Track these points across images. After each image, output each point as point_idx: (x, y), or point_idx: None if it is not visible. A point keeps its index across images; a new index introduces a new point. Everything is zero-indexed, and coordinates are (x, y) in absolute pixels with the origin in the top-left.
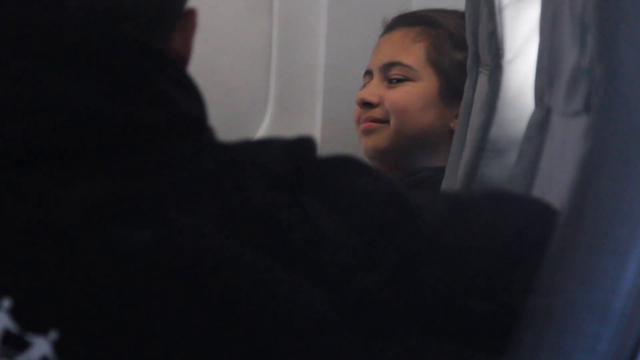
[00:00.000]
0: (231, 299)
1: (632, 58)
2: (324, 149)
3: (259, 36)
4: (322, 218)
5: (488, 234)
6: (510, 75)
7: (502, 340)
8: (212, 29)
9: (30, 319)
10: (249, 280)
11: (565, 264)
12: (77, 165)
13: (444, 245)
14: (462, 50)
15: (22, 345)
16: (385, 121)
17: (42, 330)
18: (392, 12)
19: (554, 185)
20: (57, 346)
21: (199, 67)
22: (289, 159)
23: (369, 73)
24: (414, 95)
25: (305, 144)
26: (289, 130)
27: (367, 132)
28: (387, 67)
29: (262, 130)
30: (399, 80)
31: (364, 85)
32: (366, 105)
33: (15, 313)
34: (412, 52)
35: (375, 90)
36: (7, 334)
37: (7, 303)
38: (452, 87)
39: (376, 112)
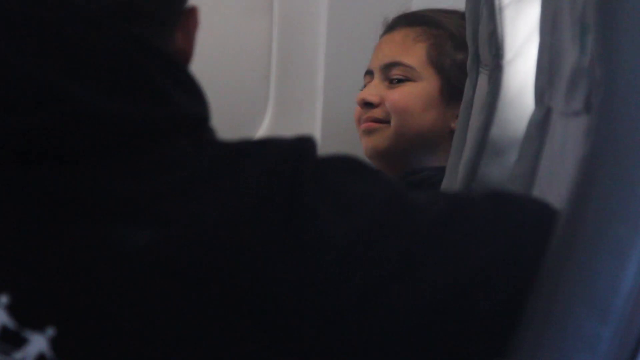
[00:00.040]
0: (231, 299)
1: (632, 58)
2: (324, 149)
3: (259, 36)
4: (322, 217)
5: (488, 234)
6: (510, 75)
7: (502, 341)
8: (212, 29)
9: (27, 316)
10: (249, 280)
11: (565, 264)
12: (77, 164)
13: (444, 245)
14: (463, 51)
15: (19, 341)
16: (386, 121)
17: (39, 327)
18: (393, 12)
19: (554, 185)
20: (54, 343)
21: (198, 67)
22: (289, 159)
23: (369, 73)
24: (415, 96)
25: (305, 144)
26: (289, 130)
27: (368, 132)
28: (388, 67)
29: (262, 130)
30: (400, 81)
31: (365, 85)
32: (367, 105)
33: (12, 309)
34: (413, 52)
35: (376, 90)
36: (5, 330)
37: (4, 299)
38: (453, 87)
39: (377, 112)
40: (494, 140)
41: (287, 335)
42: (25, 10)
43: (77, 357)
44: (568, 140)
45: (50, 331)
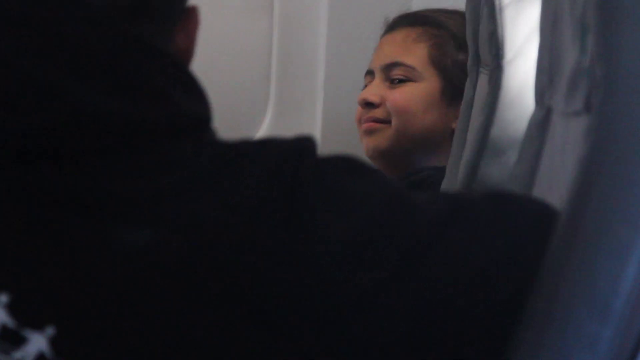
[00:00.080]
0: (231, 299)
1: (632, 58)
2: (324, 149)
3: (259, 36)
4: (322, 217)
5: (488, 234)
6: (510, 76)
7: (502, 341)
8: (212, 29)
9: (27, 315)
10: (249, 280)
11: (565, 264)
12: (77, 164)
13: (444, 245)
14: (464, 51)
15: (18, 340)
16: (387, 121)
17: (38, 326)
18: (393, 12)
19: (554, 185)
20: (54, 342)
21: (199, 67)
22: (289, 159)
23: (370, 73)
24: (416, 96)
25: (305, 144)
26: (289, 130)
27: (369, 133)
28: (389, 67)
29: (262, 130)
30: (401, 81)
31: (365, 86)
32: (368, 105)
33: (12, 308)
34: (414, 52)
35: (377, 90)
36: (4, 329)
37: (4, 298)
38: (454, 87)
39: (378, 113)
40: (494, 140)
41: (287, 335)
42: (26, 10)
43: (76, 356)
44: (568, 140)
45: (50, 330)
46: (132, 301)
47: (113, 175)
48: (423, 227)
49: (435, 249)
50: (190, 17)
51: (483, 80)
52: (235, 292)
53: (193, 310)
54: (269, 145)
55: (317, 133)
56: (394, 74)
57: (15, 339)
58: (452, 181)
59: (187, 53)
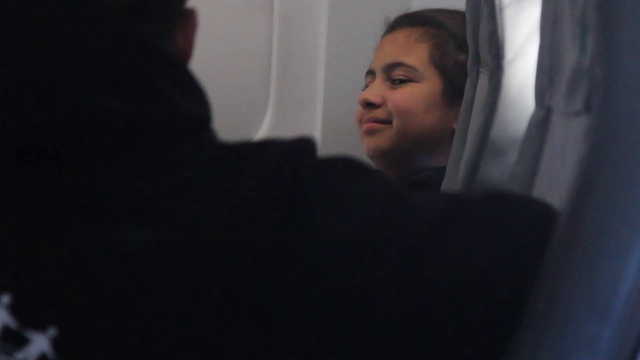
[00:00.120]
0: (231, 299)
1: (632, 58)
2: (324, 149)
3: (259, 36)
4: (322, 218)
5: (488, 234)
6: (510, 76)
7: (502, 341)
8: (212, 29)
9: (29, 316)
10: (249, 280)
11: (565, 264)
12: (77, 164)
13: (444, 245)
14: (465, 51)
15: (20, 341)
16: (388, 122)
17: (40, 327)
18: (393, 12)
19: (554, 185)
20: (56, 343)
21: (199, 67)
22: (289, 160)
23: (371, 73)
24: (417, 97)
25: (305, 145)
26: (289, 130)
27: (370, 133)
28: (390, 67)
29: (262, 130)
30: (402, 81)
31: (366, 86)
32: (369, 105)
33: (14, 309)
34: (415, 52)
35: (378, 90)
36: (6, 329)
37: (6, 299)
38: (455, 88)
39: (379, 113)
40: (494, 140)
41: (287, 335)
42: (26, 10)
43: (78, 357)
44: (568, 140)
45: (52, 331)
46: (132, 301)
47: (113, 175)
48: (423, 227)
49: (435, 249)
50: (189, 19)
51: (483, 80)
52: (235, 292)
53: (193, 310)
54: (269, 146)
55: (317, 133)
56: (395, 74)
57: (17, 340)
58: (452, 181)
59: (185, 54)
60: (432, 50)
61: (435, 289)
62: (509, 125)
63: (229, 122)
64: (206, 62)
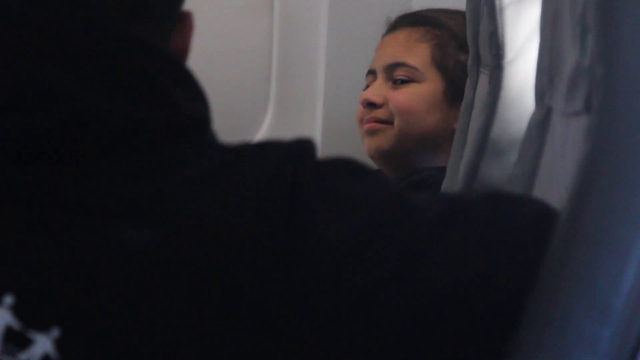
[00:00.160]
0: (231, 299)
1: (632, 58)
2: (324, 149)
3: (260, 36)
4: (322, 218)
5: (488, 234)
6: (510, 76)
7: (502, 341)
8: (212, 29)
9: (32, 316)
10: (249, 280)
11: (565, 264)
12: (77, 164)
13: (444, 246)
14: (466, 51)
15: (24, 342)
16: (389, 122)
17: (43, 328)
18: (393, 12)
19: (554, 186)
20: (59, 343)
21: (199, 67)
22: (289, 161)
23: (372, 72)
24: (419, 97)
25: (304, 146)
26: (290, 130)
27: (371, 133)
28: (392, 67)
29: (263, 130)
30: (404, 81)
31: (367, 85)
32: (370, 105)
33: (17, 310)
34: (417, 53)
35: (379, 90)
36: (9, 330)
37: (9, 300)
38: (456, 88)
39: (380, 113)
40: (495, 140)
41: (287, 335)
42: (26, 10)
43: (81, 357)
44: (568, 141)
45: (55, 332)
46: (132, 301)
47: (113, 175)
48: (423, 227)
49: (435, 249)
50: (185, 21)
51: (483, 80)
52: (235, 292)
53: (193, 310)
54: (269, 147)
55: (317, 133)
56: (396, 75)
57: (20, 341)
58: (453, 181)
59: (182, 56)
60: (434, 51)
61: (435, 289)
62: (509, 125)
63: (229, 122)
64: (206, 62)
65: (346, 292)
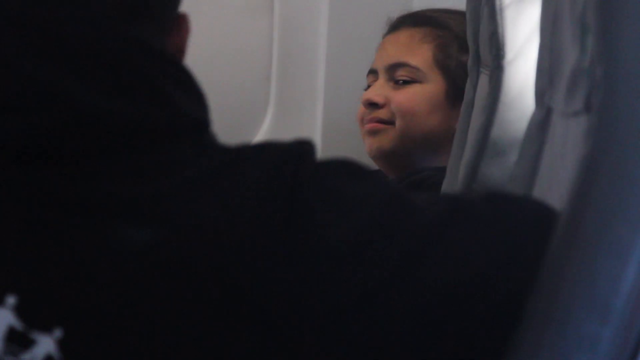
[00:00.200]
0: (231, 299)
1: (632, 58)
2: (324, 149)
3: (260, 36)
4: (322, 218)
5: (488, 234)
6: (511, 76)
7: (502, 341)
8: (212, 29)
9: (35, 317)
10: (249, 280)
11: (565, 264)
12: (77, 164)
13: (444, 246)
14: (467, 52)
15: (26, 342)
16: (390, 122)
17: (46, 328)
18: (394, 12)
19: (554, 186)
20: (62, 344)
21: (199, 67)
22: (289, 161)
23: (373, 72)
24: (421, 98)
25: (304, 147)
26: (290, 131)
27: (372, 133)
28: (394, 67)
29: (263, 130)
30: (406, 82)
31: (368, 85)
32: (372, 105)
33: (20, 310)
34: (419, 53)
35: (381, 90)
36: (12, 331)
37: (12, 300)
38: (457, 89)
39: (382, 113)
40: (495, 140)
41: (287, 335)
42: (26, 10)
43: (83, 358)
44: (568, 141)
45: (58, 332)
46: (133, 301)
47: (113, 175)
48: (423, 227)
49: (435, 250)
50: (182, 22)
51: (483, 80)
52: (235, 292)
53: (193, 310)
54: (269, 148)
55: (317, 133)
56: (398, 75)
57: (23, 341)
58: (453, 181)
59: (179, 58)
60: (436, 51)
61: (435, 289)
62: (509, 126)
63: (229, 122)
64: (206, 62)
65: (346, 292)
